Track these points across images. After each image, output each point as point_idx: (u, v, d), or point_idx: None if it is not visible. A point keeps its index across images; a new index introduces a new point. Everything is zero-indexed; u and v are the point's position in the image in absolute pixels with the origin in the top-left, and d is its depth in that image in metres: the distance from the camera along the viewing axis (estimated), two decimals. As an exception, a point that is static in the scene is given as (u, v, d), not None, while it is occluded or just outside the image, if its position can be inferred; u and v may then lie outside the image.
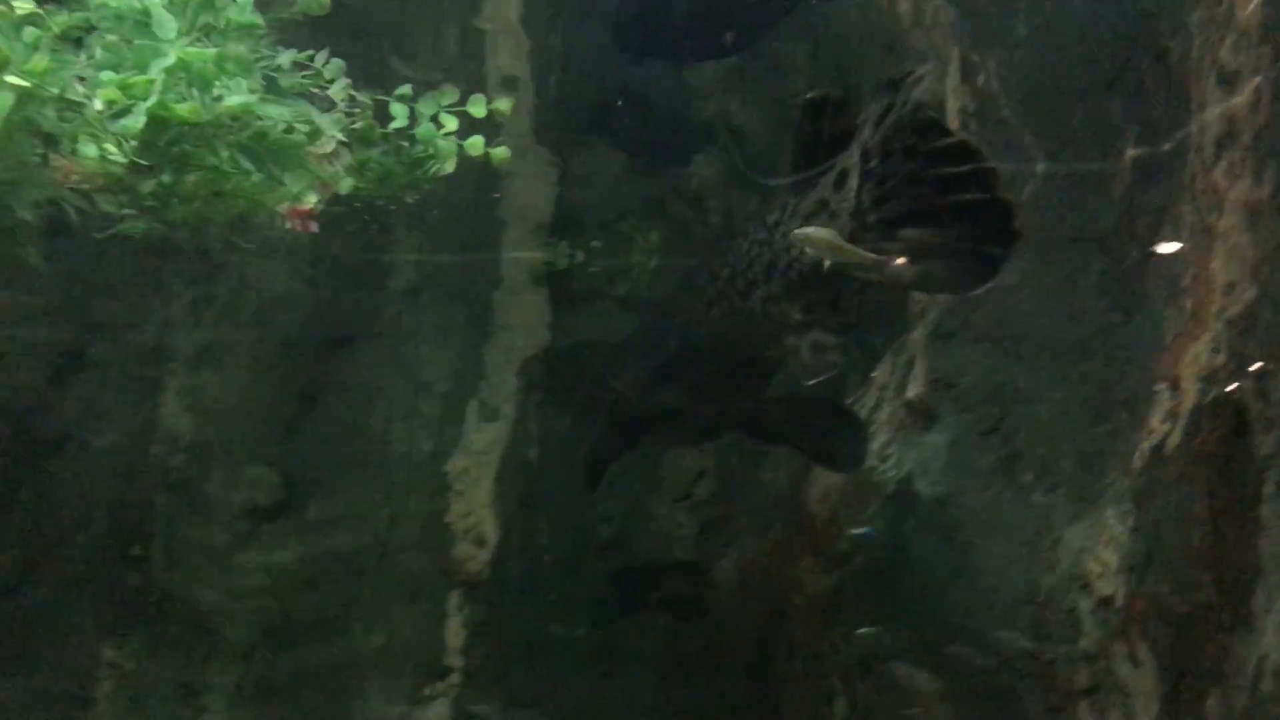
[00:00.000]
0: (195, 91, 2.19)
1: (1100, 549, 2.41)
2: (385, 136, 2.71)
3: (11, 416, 3.74)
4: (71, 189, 2.92)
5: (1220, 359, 2.11)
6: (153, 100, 2.18)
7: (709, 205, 4.56)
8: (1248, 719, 1.88)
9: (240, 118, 2.35)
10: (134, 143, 2.44)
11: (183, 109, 2.23)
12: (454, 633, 4.22)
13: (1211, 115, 2.17)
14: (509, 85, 4.31)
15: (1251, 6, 2.02)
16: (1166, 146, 2.41)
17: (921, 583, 2.79)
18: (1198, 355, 2.17)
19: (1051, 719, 2.56)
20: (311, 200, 2.60)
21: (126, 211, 2.92)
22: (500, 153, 2.76)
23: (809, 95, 2.64)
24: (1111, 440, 2.57)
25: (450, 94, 2.73)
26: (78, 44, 2.52)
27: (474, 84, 3.24)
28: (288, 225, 2.66)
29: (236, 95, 2.22)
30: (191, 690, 3.90)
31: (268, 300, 4.09)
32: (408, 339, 4.32)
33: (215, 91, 2.23)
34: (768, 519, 4.18)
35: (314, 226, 2.68)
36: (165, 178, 2.60)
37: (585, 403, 3.95)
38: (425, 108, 2.70)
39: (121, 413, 3.92)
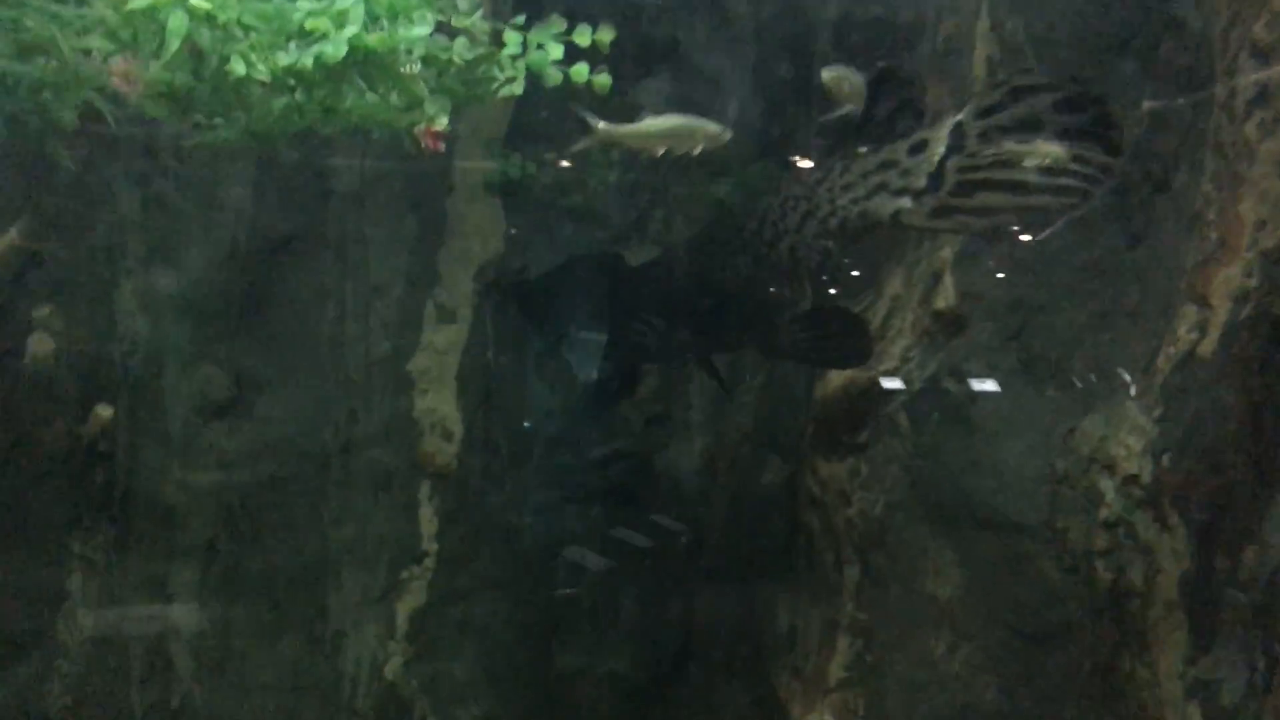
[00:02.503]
0: (385, 23, 2.22)
1: (1123, 435, 2.82)
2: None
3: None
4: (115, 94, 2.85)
5: (1253, 282, 2.52)
6: (351, 30, 2.21)
7: (660, 123, 4.68)
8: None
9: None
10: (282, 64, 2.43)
11: (372, 39, 2.26)
12: (427, 520, 4.32)
13: (1244, 80, 2.54)
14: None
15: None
16: (1182, 102, 2.79)
17: (944, 469, 3.15)
18: (1229, 279, 2.58)
19: (1066, 577, 2.98)
20: (443, 122, 2.64)
21: (218, 121, 2.87)
22: (603, 80, 2.86)
23: (880, 65, 2.96)
24: (1118, 347, 2.99)
25: (558, 24, 2.81)
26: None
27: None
28: (423, 145, 2.70)
29: (420, 27, 2.26)
30: (160, 582, 3.87)
31: (215, 201, 4.00)
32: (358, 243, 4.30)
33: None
34: (717, 415, 4.45)
35: (442, 147, 2.72)
36: (298, 95, 2.58)
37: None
38: (536, 36, 2.78)
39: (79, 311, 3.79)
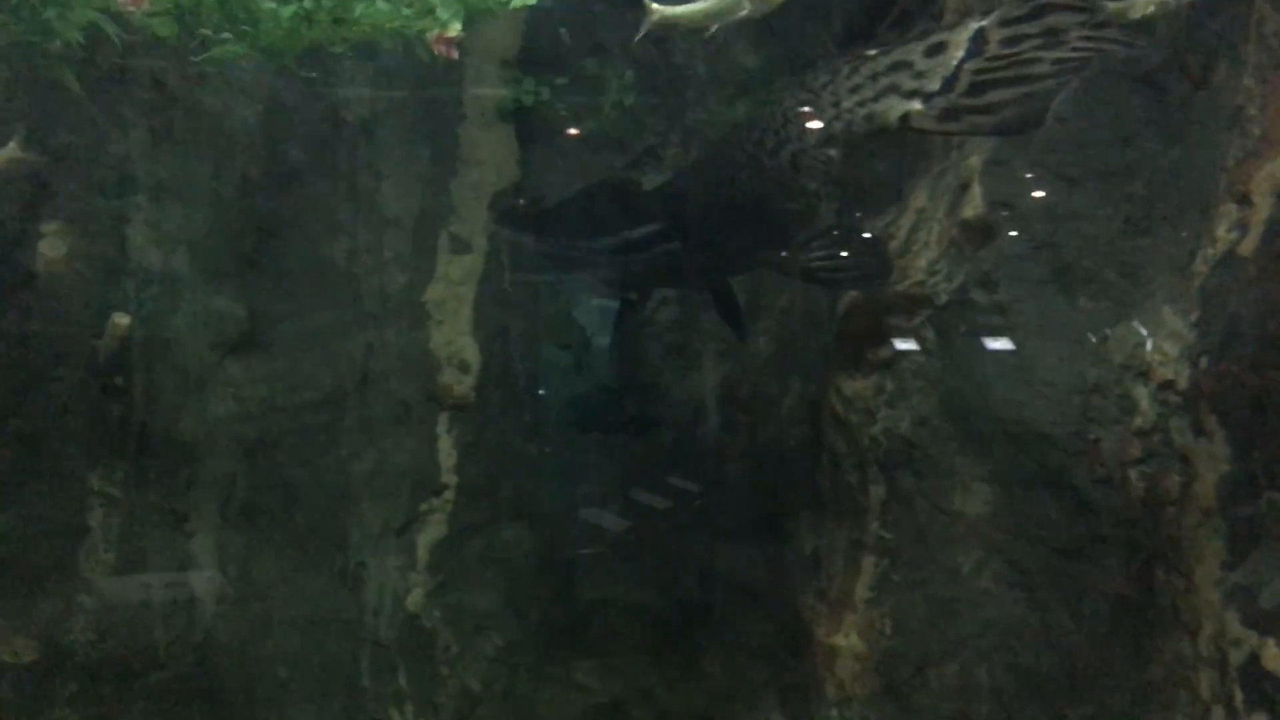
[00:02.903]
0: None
1: (1159, 341, 2.74)
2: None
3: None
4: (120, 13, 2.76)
5: (1298, 175, 2.42)
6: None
7: (673, 46, 4.60)
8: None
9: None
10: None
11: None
12: (446, 453, 4.27)
13: (1288, -33, 2.43)
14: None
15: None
16: (1223, -7, 2.67)
17: (972, 382, 3.07)
18: (1272, 174, 2.48)
19: (1097, 488, 2.91)
20: (456, 28, 2.55)
21: (225, 35, 2.79)
22: (619, -18, 2.76)
23: None
24: (1152, 252, 2.90)
25: (567, -78, 2.71)
26: None
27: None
28: (435, 51, 2.61)
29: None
30: (180, 516, 3.84)
31: (225, 132, 3.92)
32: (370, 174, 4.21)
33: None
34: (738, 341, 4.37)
35: (455, 54, 2.63)
36: (307, 3, 2.50)
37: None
38: (547, -66, 2.68)
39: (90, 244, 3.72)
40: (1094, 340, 2.91)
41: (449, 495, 4.22)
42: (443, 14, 2.51)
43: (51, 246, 3.35)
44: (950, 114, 2.70)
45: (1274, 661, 2.41)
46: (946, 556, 3.18)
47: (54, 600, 3.46)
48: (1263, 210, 2.51)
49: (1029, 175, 3.00)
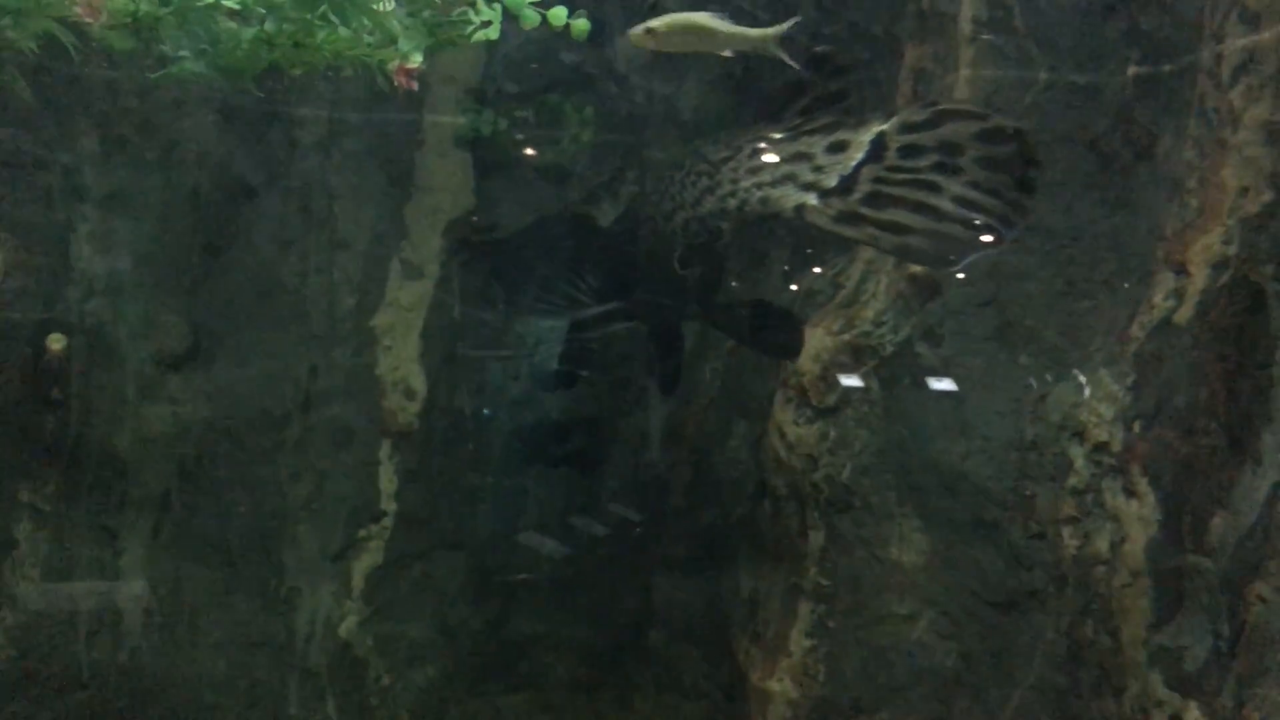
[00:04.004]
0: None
1: (1095, 403, 2.81)
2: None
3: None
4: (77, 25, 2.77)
5: (1232, 249, 2.51)
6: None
7: (634, 85, 4.65)
8: (1256, 539, 2.31)
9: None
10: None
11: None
12: (387, 479, 4.25)
13: (1232, 46, 2.52)
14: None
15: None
16: (1167, 68, 2.76)
17: (913, 434, 3.13)
18: (1208, 246, 2.56)
19: (1030, 544, 2.97)
20: (418, 59, 2.57)
21: (182, 54, 2.79)
22: (580, 25, 2.80)
23: (818, 49, 2.89)
24: (1092, 315, 2.97)
25: (529, -36, 2.75)
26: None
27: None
28: (396, 82, 2.63)
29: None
30: (110, 533, 3.80)
31: (177, 146, 3.91)
32: (324, 195, 4.21)
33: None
34: (684, 380, 4.41)
35: (415, 85, 2.65)
36: (268, 25, 2.51)
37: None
38: (510, -24, 2.71)
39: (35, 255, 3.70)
40: (1033, 396, 2.97)
41: (388, 523, 4.20)
42: (405, 45, 2.53)
43: None
44: (848, 218, 2.72)
45: (1195, 725, 2.46)
46: (882, 605, 3.22)
47: (-25, 615, 3.40)
48: (1199, 281, 2.59)
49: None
